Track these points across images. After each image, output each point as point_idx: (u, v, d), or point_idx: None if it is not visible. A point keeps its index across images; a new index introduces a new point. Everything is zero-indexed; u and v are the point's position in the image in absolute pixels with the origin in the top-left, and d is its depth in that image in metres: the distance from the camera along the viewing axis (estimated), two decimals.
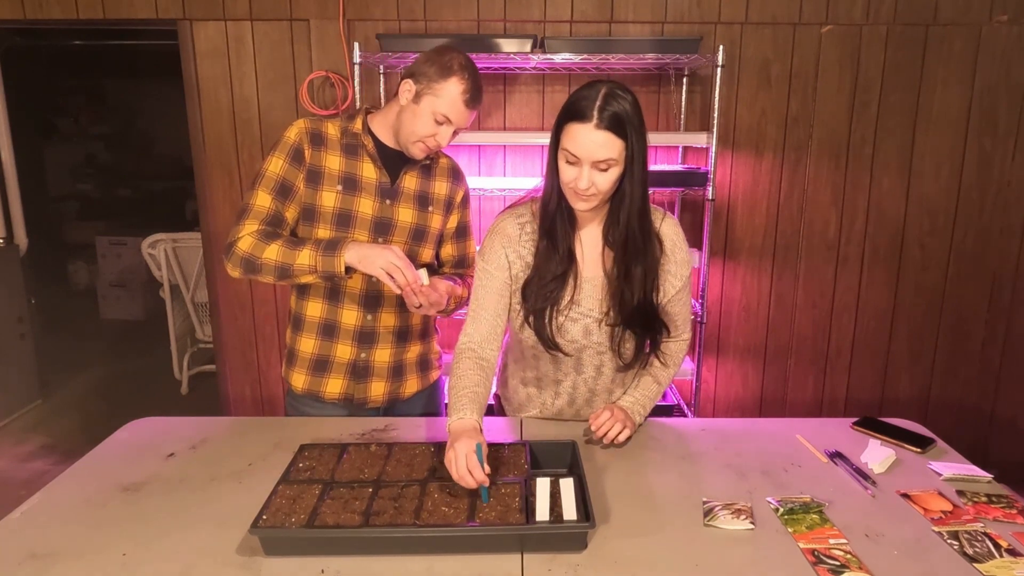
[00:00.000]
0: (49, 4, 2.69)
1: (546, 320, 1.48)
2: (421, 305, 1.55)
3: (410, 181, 1.71)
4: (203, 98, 2.77)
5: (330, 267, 1.53)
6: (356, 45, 2.51)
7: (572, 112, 1.34)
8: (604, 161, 1.33)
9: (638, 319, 1.48)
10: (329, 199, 1.65)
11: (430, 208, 1.74)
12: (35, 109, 6.27)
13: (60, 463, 3.25)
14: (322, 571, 1.10)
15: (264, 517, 1.17)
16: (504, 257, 1.51)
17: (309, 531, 1.14)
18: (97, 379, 4.40)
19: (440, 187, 1.76)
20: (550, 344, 1.50)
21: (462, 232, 1.84)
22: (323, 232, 1.66)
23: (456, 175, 1.80)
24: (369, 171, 1.68)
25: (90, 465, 1.45)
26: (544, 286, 1.47)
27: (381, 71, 2.69)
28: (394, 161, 1.70)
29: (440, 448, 1.41)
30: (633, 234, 1.43)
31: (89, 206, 6.99)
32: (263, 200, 1.62)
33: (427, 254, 1.77)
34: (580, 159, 1.34)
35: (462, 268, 1.86)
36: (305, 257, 1.55)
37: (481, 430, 1.34)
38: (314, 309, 1.72)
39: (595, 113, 1.31)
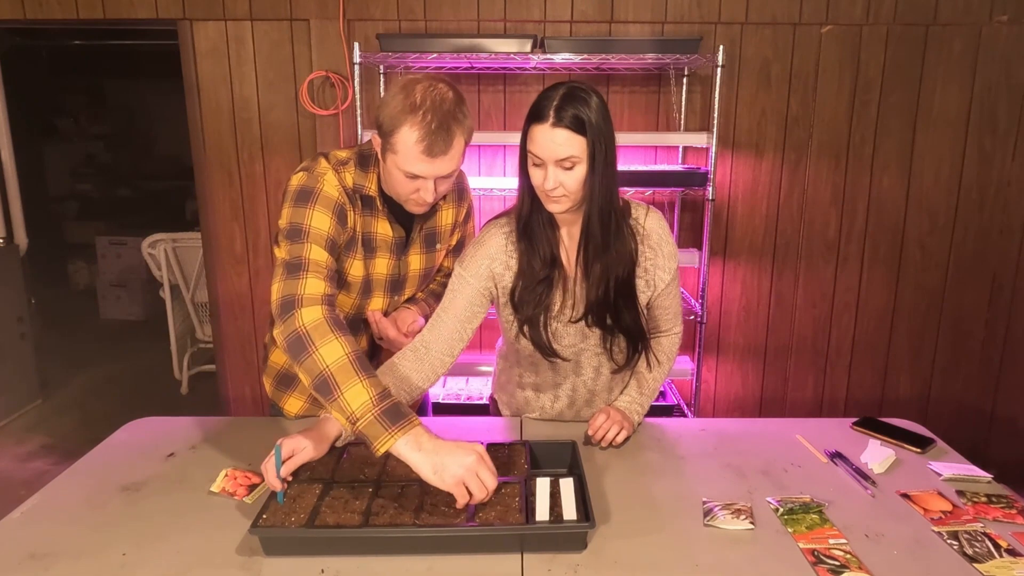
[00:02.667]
0: (49, 4, 2.69)
1: (540, 328, 1.47)
2: (382, 339, 1.51)
3: (418, 227, 1.58)
4: (203, 98, 2.77)
5: (372, 437, 1.19)
6: (356, 45, 2.51)
7: (533, 114, 1.35)
8: (567, 159, 1.32)
9: (597, 315, 1.47)
10: (357, 268, 1.50)
11: (438, 246, 1.62)
12: (35, 109, 6.27)
13: (60, 463, 3.25)
14: (322, 571, 1.10)
15: (264, 517, 1.17)
16: (488, 268, 1.48)
17: (309, 531, 1.13)
18: (97, 379, 4.40)
19: (446, 217, 1.62)
20: (548, 352, 1.49)
21: (459, 247, 1.72)
22: (344, 300, 1.53)
23: (459, 194, 1.65)
24: (384, 228, 1.52)
25: (90, 465, 1.45)
26: (531, 291, 1.45)
27: (381, 71, 2.69)
28: (405, 212, 1.52)
29: None
30: (594, 234, 1.41)
31: (89, 206, 7.00)
32: (319, 254, 1.36)
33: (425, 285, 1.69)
34: (544, 160, 1.34)
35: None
36: (358, 397, 1.19)
37: (331, 439, 1.34)
38: None
39: (552, 113, 1.31)
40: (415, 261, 1.59)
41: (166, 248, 3.99)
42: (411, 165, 1.35)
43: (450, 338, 1.46)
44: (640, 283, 1.50)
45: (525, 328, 1.48)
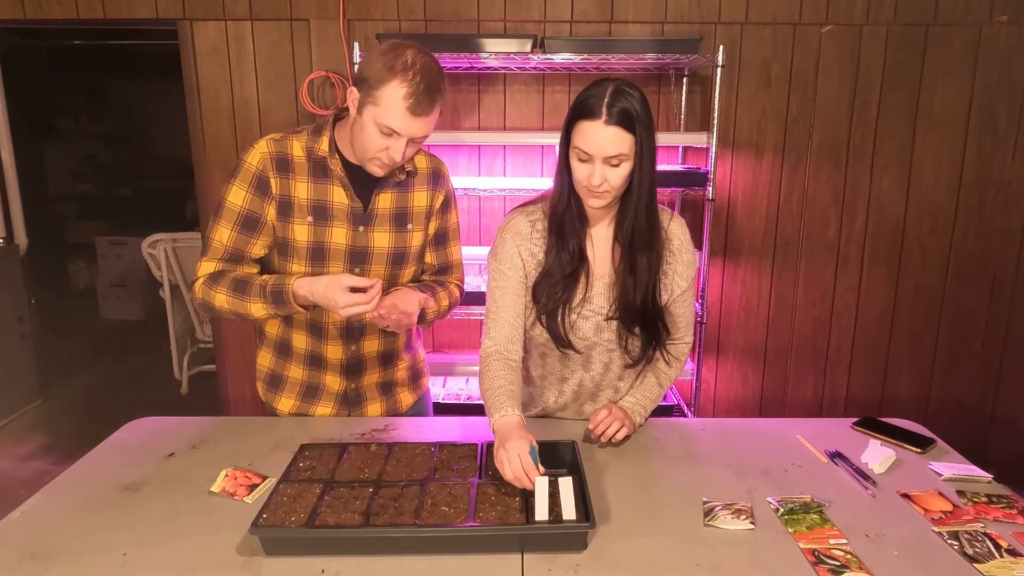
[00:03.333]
0: (49, 4, 2.69)
1: (559, 319, 1.49)
2: (388, 326, 1.51)
3: (384, 201, 1.57)
4: (203, 98, 2.77)
5: (286, 312, 1.49)
6: (356, 45, 2.51)
7: (582, 110, 1.36)
8: (616, 156, 1.35)
9: (640, 314, 1.49)
10: (301, 232, 1.53)
11: (409, 226, 1.61)
12: (35, 109, 6.27)
13: (60, 463, 3.25)
14: (322, 571, 1.10)
15: (264, 516, 1.17)
16: (517, 255, 1.51)
17: (309, 531, 1.14)
18: (97, 379, 4.40)
19: (419, 199, 1.61)
20: (563, 342, 1.51)
21: (442, 239, 1.69)
22: (297, 267, 1.55)
23: (436, 179, 1.63)
24: (339, 196, 1.53)
25: (90, 465, 1.45)
26: (554, 285, 1.48)
27: None
28: (366, 182, 1.54)
29: (440, 448, 1.41)
30: (640, 227, 1.45)
31: (89, 206, 6.99)
32: (222, 235, 1.52)
33: (409, 272, 1.65)
34: (592, 156, 1.36)
35: (444, 275, 1.74)
36: (258, 309, 1.49)
37: (525, 425, 1.34)
38: (300, 341, 1.65)
39: (604, 110, 1.33)
40: (382, 238, 1.58)
41: (166, 248, 3.99)
42: (392, 119, 1.39)
43: (514, 333, 1.50)
44: (659, 285, 1.52)
45: (543, 317, 1.50)
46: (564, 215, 1.47)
